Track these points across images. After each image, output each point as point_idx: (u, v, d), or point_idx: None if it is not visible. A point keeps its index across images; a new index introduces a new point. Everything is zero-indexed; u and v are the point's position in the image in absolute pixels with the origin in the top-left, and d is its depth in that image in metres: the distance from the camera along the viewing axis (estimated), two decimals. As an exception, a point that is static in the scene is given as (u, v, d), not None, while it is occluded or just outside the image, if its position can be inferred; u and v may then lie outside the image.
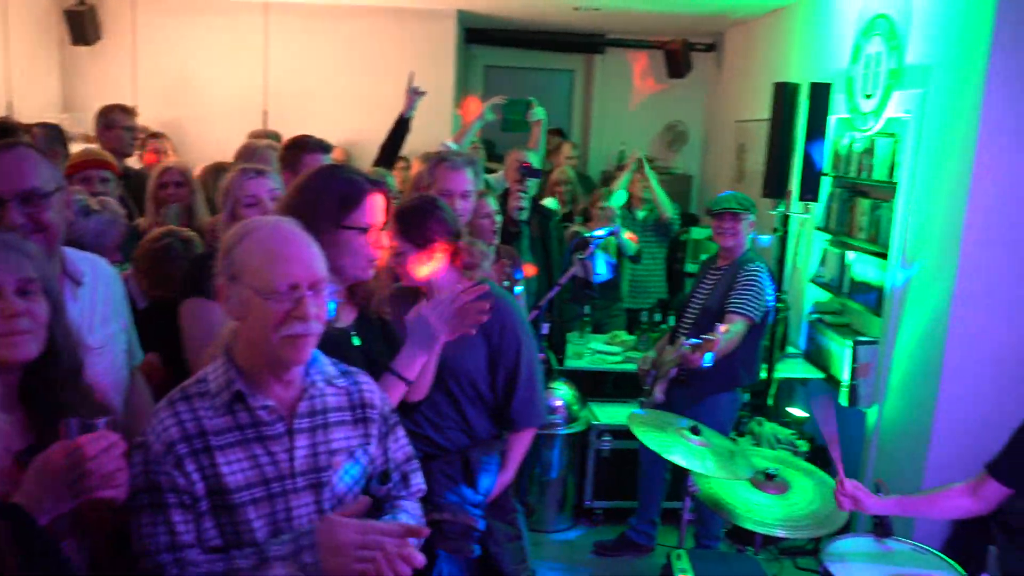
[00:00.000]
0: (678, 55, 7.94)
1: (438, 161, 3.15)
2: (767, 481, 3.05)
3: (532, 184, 4.39)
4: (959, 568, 2.75)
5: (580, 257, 3.75)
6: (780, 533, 2.91)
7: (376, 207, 2.13)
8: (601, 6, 6.74)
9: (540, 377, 2.80)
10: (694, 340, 3.43)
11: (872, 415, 4.38)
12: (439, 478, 2.57)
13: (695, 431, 3.01)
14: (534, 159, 4.31)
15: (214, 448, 1.66)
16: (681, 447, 2.99)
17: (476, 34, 8.32)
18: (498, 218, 3.91)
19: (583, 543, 4.62)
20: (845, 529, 3.10)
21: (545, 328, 3.78)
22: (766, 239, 4.88)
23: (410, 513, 1.91)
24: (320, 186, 2.12)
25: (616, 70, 8.62)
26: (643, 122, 8.51)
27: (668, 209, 5.75)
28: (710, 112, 8.40)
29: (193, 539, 1.64)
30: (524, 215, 4.27)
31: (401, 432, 1.98)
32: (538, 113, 4.60)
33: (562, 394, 4.64)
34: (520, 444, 2.79)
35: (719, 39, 8.15)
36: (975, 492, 2.68)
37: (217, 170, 3.81)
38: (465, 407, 2.66)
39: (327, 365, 1.85)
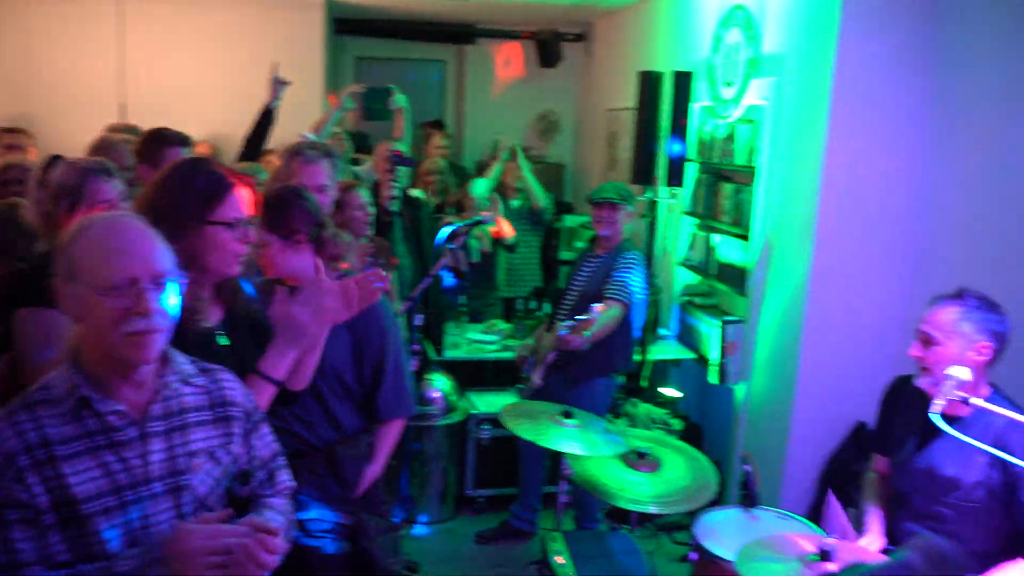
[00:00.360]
0: (548, 45, 8.01)
1: (293, 154, 3.08)
2: (639, 460, 3.12)
3: (404, 174, 4.36)
4: (819, 530, 2.89)
5: (451, 247, 3.74)
6: (653, 510, 2.98)
7: (241, 201, 2.07)
8: (471, -5, 6.74)
9: (407, 367, 2.78)
10: (570, 323, 3.49)
11: (740, 392, 4.55)
12: (304, 475, 2.52)
13: (567, 415, 3.05)
14: (402, 148, 4.28)
15: (59, 458, 1.57)
16: (555, 433, 3.02)
17: (346, 24, 8.17)
18: (371, 209, 3.87)
19: (465, 532, 4.63)
20: (716, 503, 3.21)
21: (419, 319, 3.76)
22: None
23: (278, 510, 1.87)
24: (182, 181, 2.04)
25: (487, 60, 8.64)
26: (516, 112, 8.56)
27: (541, 198, 5.80)
28: (581, 101, 8.52)
29: (36, 556, 1.55)
30: (396, 206, 4.23)
31: (266, 429, 1.93)
32: (399, 101, 4.55)
33: (440, 385, 4.63)
34: (389, 436, 2.77)
35: (588, 29, 8.27)
36: (885, 478, 2.77)
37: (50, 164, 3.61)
38: (332, 402, 2.61)
39: (184, 364, 1.78)
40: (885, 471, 2.77)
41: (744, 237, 4.61)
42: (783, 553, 2.01)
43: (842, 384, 3.97)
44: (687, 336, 5.29)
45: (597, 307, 3.44)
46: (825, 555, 1.90)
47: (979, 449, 2.13)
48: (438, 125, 7.85)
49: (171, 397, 1.73)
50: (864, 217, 3.84)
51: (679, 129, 4.57)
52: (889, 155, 3.79)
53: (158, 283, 1.63)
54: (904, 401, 2.62)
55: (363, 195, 3.86)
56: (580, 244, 5.94)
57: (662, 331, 5.43)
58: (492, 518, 4.68)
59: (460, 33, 8.48)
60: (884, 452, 2.76)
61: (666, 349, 5.25)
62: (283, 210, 2.51)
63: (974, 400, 2.22)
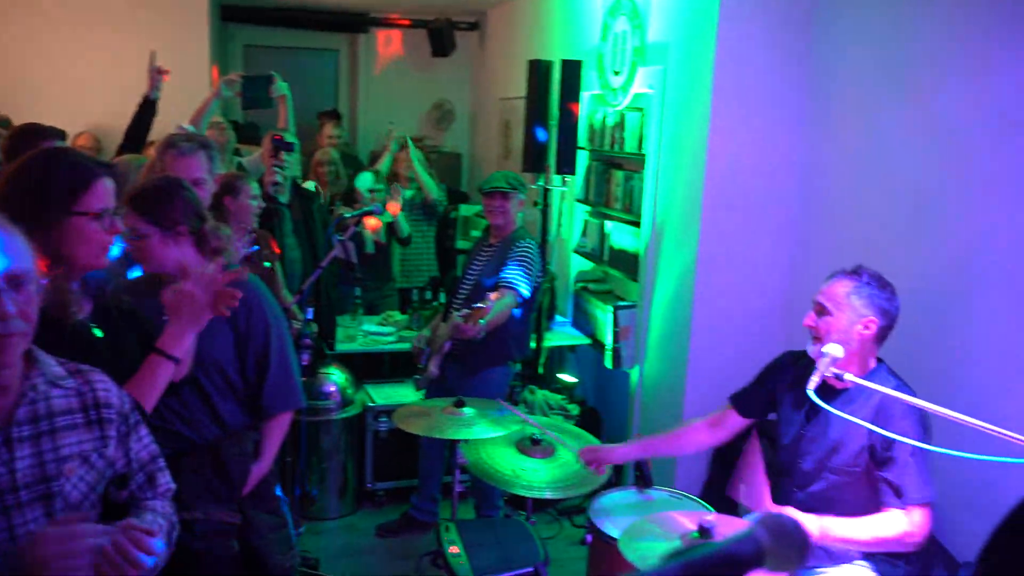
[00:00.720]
0: (442, 34, 7.97)
1: (166, 147, 2.98)
2: (533, 446, 3.14)
3: (294, 161, 4.28)
4: (709, 507, 2.97)
5: (340, 239, 3.69)
6: (548, 495, 3.01)
7: (107, 191, 2.00)
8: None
9: (293, 360, 2.73)
10: (465, 311, 3.50)
11: (635, 376, 4.63)
12: (188, 475, 2.46)
13: (460, 404, 3.05)
14: (289, 137, 4.20)
15: None
16: (448, 423, 3.02)
17: (233, 12, 7.96)
18: (257, 202, 3.80)
19: (366, 527, 4.59)
20: (612, 485, 3.26)
21: (310, 312, 3.70)
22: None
23: (158, 513, 1.81)
24: (44, 171, 1.96)
25: (381, 49, 8.54)
26: (410, 101, 8.50)
27: (432, 190, 5.77)
28: (476, 90, 8.52)
29: None
30: (284, 197, 4.15)
31: (144, 431, 1.87)
32: (281, 88, 4.46)
33: (335, 378, 4.57)
34: (276, 431, 2.71)
35: (482, 18, 8.26)
36: (716, 424, 2.94)
37: None
38: (215, 398, 2.55)
39: (52, 366, 1.70)
40: (729, 426, 2.91)
41: (636, 223, 4.69)
42: (665, 531, 2.06)
43: (731, 365, 4.06)
44: (583, 322, 5.36)
45: (491, 295, 3.46)
46: (705, 532, 1.95)
47: (860, 423, 2.24)
48: (334, 115, 7.73)
49: (38, 400, 1.65)
50: (746, 201, 3.95)
51: (568, 117, 4.61)
52: (769, 140, 3.91)
53: (15, 284, 1.55)
54: (793, 374, 2.72)
55: (251, 187, 3.78)
56: (476, 233, 5.94)
57: (558, 318, 5.48)
58: (393, 511, 4.65)
59: (353, 22, 8.37)
60: (745, 414, 2.88)
61: (562, 335, 5.31)
62: (164, 201, 2.43)
63: (848, 377, 2.31)
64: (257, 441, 2.63)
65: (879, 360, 2.59)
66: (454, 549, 2.74)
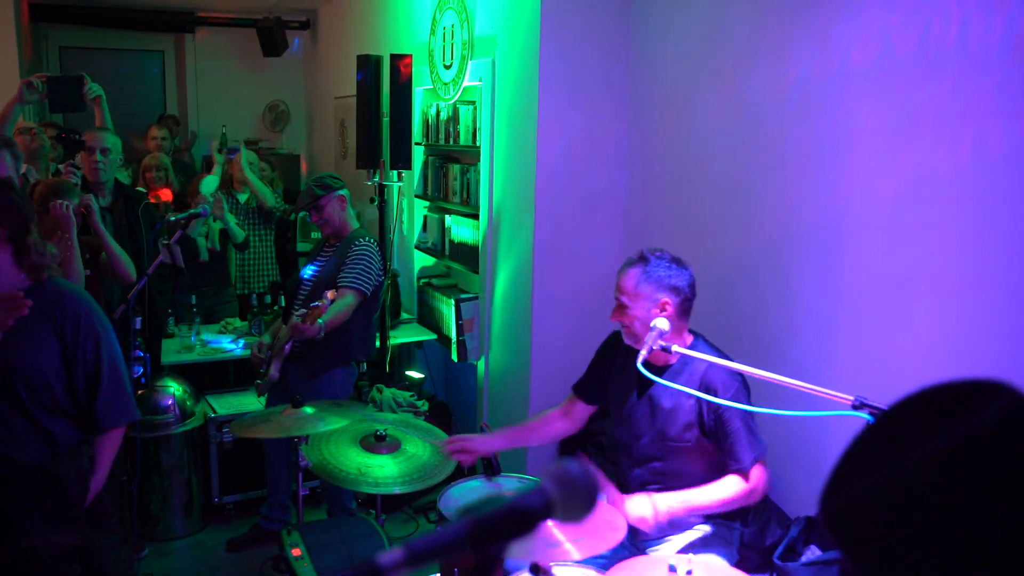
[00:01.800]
0: (272, 33, 7.77)
1: None
2: (379, 443, 3.11)
3: (112, 161, 4.08)
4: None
5: (165, 243, 3.54)
6: (397, 490, 2.98)
7: None
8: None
9: (124, 372, 2.61)
10: (303, 311, 3.42)
11: (481, 367, 4.66)
12: (21, 501, 2.30)
13: (297, 404, 2.98)
14: (109, 140, 4.00)
15: None
16: (289, 424, 2.95)
17: (45, 11, 7.49)
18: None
19: (215, 543, 4.43)
20: (461, 476, 3.27)
21: (137, 322, 3.53)
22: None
23: None
24: None
25: (210, 50, 8.26)
26: (244, 102, 8.26)
27: (268, 197, 5.64)
28: (310, 90, 8.37)
29: None
30: (103, 201, 3.95)
31: None
32: (94, 89, 4.23)
33: (172, 390, 4.38)
34: (109, 445, 2.59)
35: (313, 16, 8.11)
36: (567, 414, 2.99)
37: None
38: (40, 415, 2.40)
39: None
40: (578, 415, 2.99)
41: (475, 216, 4.72)
42: None
43: (573, 349, 4.15)
44: (428, 317, 5.35)
45: (328, 293, 3.39)
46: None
47: (688, 392, 2.33)
48: (175, 120, 7.44)
49: None
50: (577, 188, 4.05)
51: (400, 110, 4.59)
52: (595, 126, 4.02)
53: None
54: (622, 355, 2.79)
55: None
56: (317, 235, 5.83)
57: (403, 315, 5.46)
58: (243, 524, 4.50)
59: (178, 21, 8.04)
60: (590, 401, 2.96)
61: (408, 332, 5.28)
62: None
63: (676, 348, 2.39)
64: (91, 457, 2.50)
65: (696, 334, 2.69)
66: (296, 552, 2.68)
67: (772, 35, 3.15)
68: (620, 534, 2.12)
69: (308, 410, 3.00)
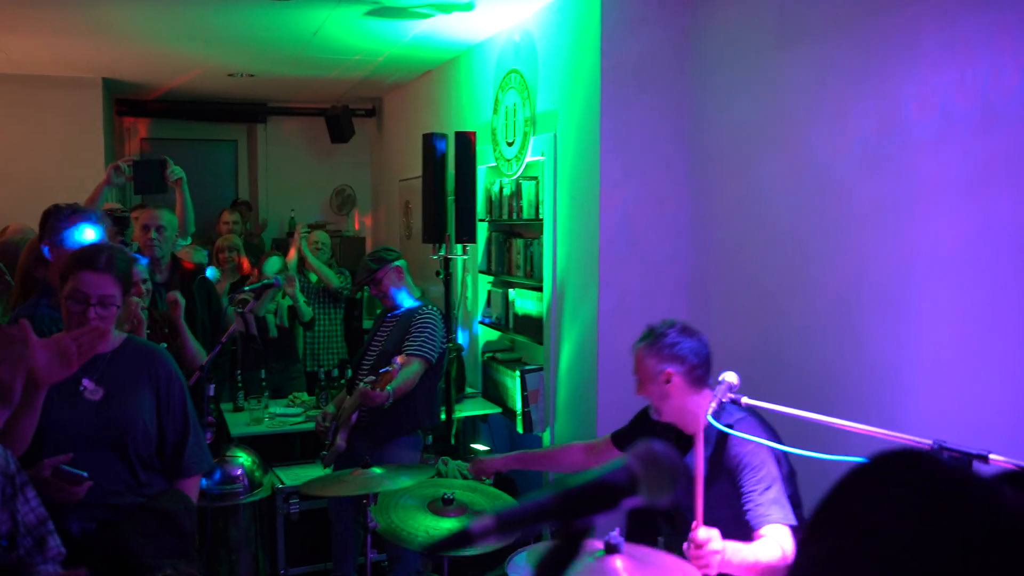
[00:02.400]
0: (339, 120, 8.08)
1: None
2: (445, 507, 3.11)
3: (167, 240, 4.25)
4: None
5: (239, 311, 3.64)
6: (468, 552, 2.97)
7: None
8: (256, 72, 6.71)
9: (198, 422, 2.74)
10: (371, 378, 3.48)
11: (546, 439, 4.64)
12: (141, 538, 2.40)
13: (366, 465, 3.01)
14: (164, 217, 4.20)
15: None
16: (356, 484, 2.98)
17: (129, 105, 7.93)
18: (147, 286, 3.77)
19: (281, 615, 4.41)
20: (529, 542, 3.24)
21: (211, 389, 3.61)
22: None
23: None
24: None
25: (280, 138, 8.62)
26: (312, 187, 8.56)
27: (332, 279, 5.81)
28: (375, 173, 8.63)
29: None
30: (160, 277, 4.14)
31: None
32: (176, 172, 4.43)
33: (241, 461, 4.43)
34: (193, 491, 2.70)
35: (378, 103, 8.42)
36: (592, 451, 3.05)
37: None
38: (138, 467, 2.54)
39: None
40: (603, 458, 2.98)
41: (538, 288, 4.77)
42: None
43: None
44: (493, 391, 5.36)
45: (398, 359, 3.45)
46: (611, 548, 1.95)
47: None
48: (247, 206, 7.74)
49: None
50: (640, 255, 4.08)
51: (465, 185, 4.71)
52: (657, 195, 4.07)
53: None
54: (653, 423, 2.78)
55: (141, 270, 3.76)
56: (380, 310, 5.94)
57: (468, 389, 5.48)
58: (309, 598, 4.49)
59: (251, 111, 8.42)
60: (618, 444, 3.01)
61: (473, 406, 5.29)
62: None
63: (746, 401, 2.36)
64: (186, 497, 2.60)
65: (731, 401, 2.60)
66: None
67: (832, 94, 3.19)
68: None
69: (377, 471, 3.02)
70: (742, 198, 3.70)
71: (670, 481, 0.75)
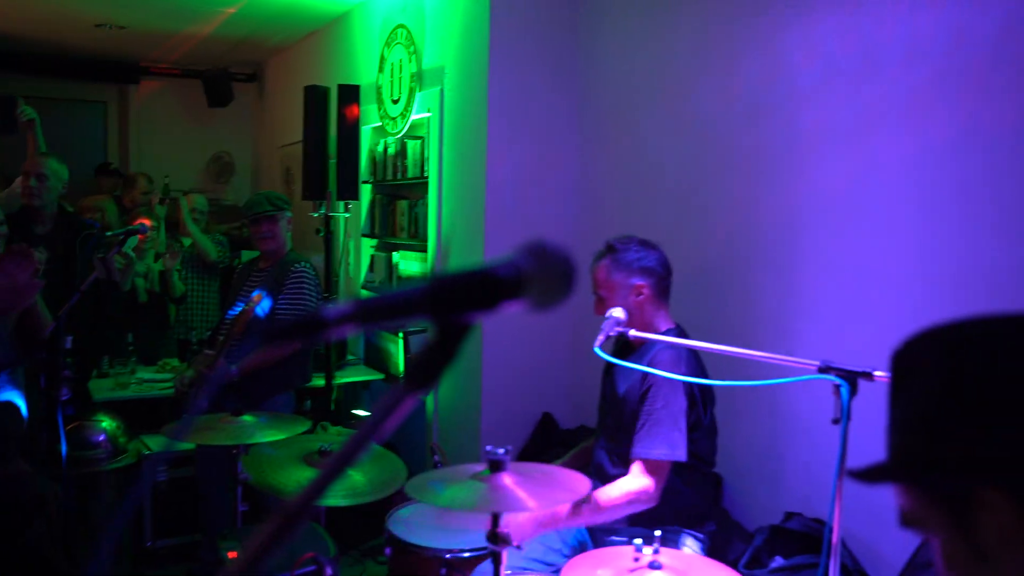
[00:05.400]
0: (217, 83, 7.72)
1: None
2: (322, 459, 2.96)
3: (53, 188, 3.95)
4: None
5: (100, 256, 3.39)
6: (342, 502, 2.83)
7: None
8: (127, 24, 6.33)
9: None
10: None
11: (430, 402, 4.53)
12: None
13: (237, 412, 2.84)
14: (49, 166, 3.90)
15: None
16: (230, 433, 2.81)
17: (-20, 57, 7.36)
18: (2, 229, 3.48)
19: (146, 589, 4.17)
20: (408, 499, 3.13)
21: (68, 341, 3.34)
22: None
23: None
24: None
25: (154, 101, 8.17)
26: (188, 153, 8.16)
27: (210, 251, 5.52)
28: (256, 140, 8.31)
29: None
30: (43, 228, 3.84)
31: None
32: (28, 112, 4.11)
33: (104, 426, 4.16)
34: None
35: (259, 68, 8.10)
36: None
37: None
38: None
39: None
40: None
41: (424, 250, 4.66)
42: (453, 480, 1.97)
43: (524, 377, 4.09)
44: (375, 357, 5.22)
45: (255, 297, 3.27)
46: (496, 465, 1.85)
47: (638, 371, 2.26)
48: (108, 170, 7.29)
49: None
50: (526, 211, 4.02)
51: (348, 141, 4.55)
52: (544, 149, 4.02)
53: None
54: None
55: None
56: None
57: (350, 356, 5.32)
58: (177, 571, 4.25)
59: (123, 71, 7.96)
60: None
61: (355, 373, 5.14)
62: None
63: (633, 333, 2.33)
64: None
65: (676, 325, 2.60)
66: (233, 554, 2.51)
67: (719, 47, 3.20)
68: (576, 495, 2.00)
69: (248, 419, 2.85)
70: (630, 153, 3.68)
71: (562, 284, 0.66)
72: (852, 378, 1.79)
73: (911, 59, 2.47)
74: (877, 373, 1.78)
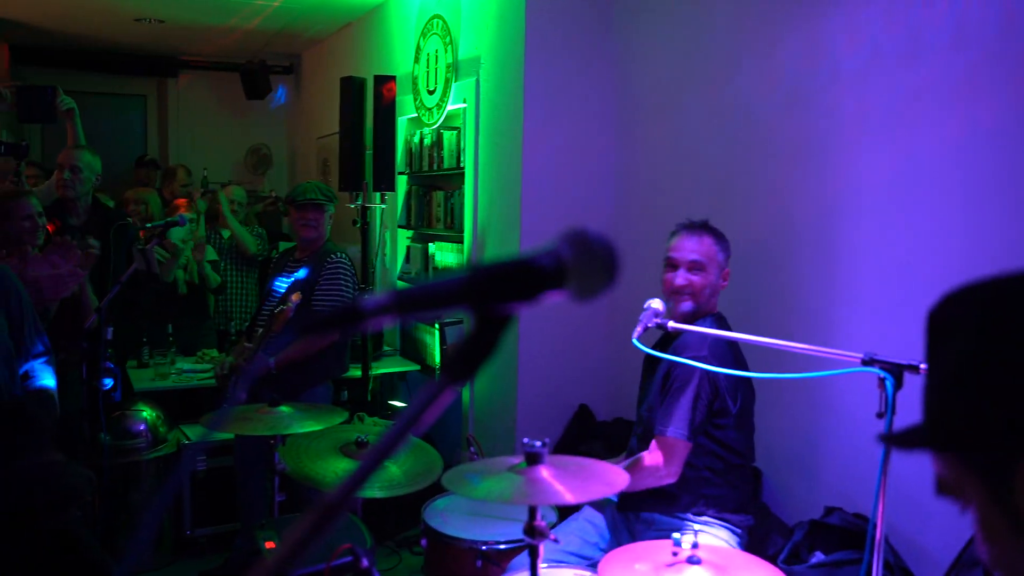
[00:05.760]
0: (255, 76, 7.77)
1: None
2: (359, 449, 2.97)
3: (86, 179, 3.99)
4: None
5: (140, 247, 3.43)
6: (378, 494, 2.84)
7: None
8: (166, 18, 6.38)
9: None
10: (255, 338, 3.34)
11: (466, 394, 4.53)
12: None
13: (274, 403, 2.85)
14: (82, 158, 3.93)
15: None
16: (269, 423, 2.82)
17: (25, 52, 7.46)
18: (41, 220, 3.54)
19: (187, 576, 4.22)
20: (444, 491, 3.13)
21: (109, 332, 3.38)
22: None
23: None
24: None
25: (192, 93, 8.25)
26: (226, 146, 8.22)
27: (249, 245, 5.54)
28: (292, 132, 8.35)
29: None
30: (76, 220, 3.88)
31: None
32: (67, 101, 4.15)
33: (144, 415, 4.20)
34: None
35: (296, 60, 8.14)
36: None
37: None
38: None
39: None
40: None
41: (459, 240, 4.65)
42: (490, 472, 1.96)
43: (560, 370, 4.07)
44: (411, 348, 5.23)
45: (293, 296, 3.28)
46: (533, 458, 1.84)
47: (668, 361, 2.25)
48: (153, 164, 7.37)
49: None
50: (564, 202, 3.99)
51: (384, 133, 4.55)
52: (581, 140, 3.99)
53: None
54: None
55: (34, 204, 3.52)
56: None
57: (386, 348, 5.33)
58: (216, 559, 4.29)
59: (160, 65, 8.04)
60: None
61: (390, 364, 5.15)
62: None
63: (672, 324, 2.31)
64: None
65: (717, 314, 2.60)
66: (270, 544, 2.52)
67: (758, 33, 3.14)
68: (613, 488, 1.98)
69: (285, 409, 2.86)
70: (666, 141, 3.64)
71: (605, 274, 0.64)
72: (897, 371, 1.75)
73: (959, 43, 2.41)
74: (923, 366, 1.73)
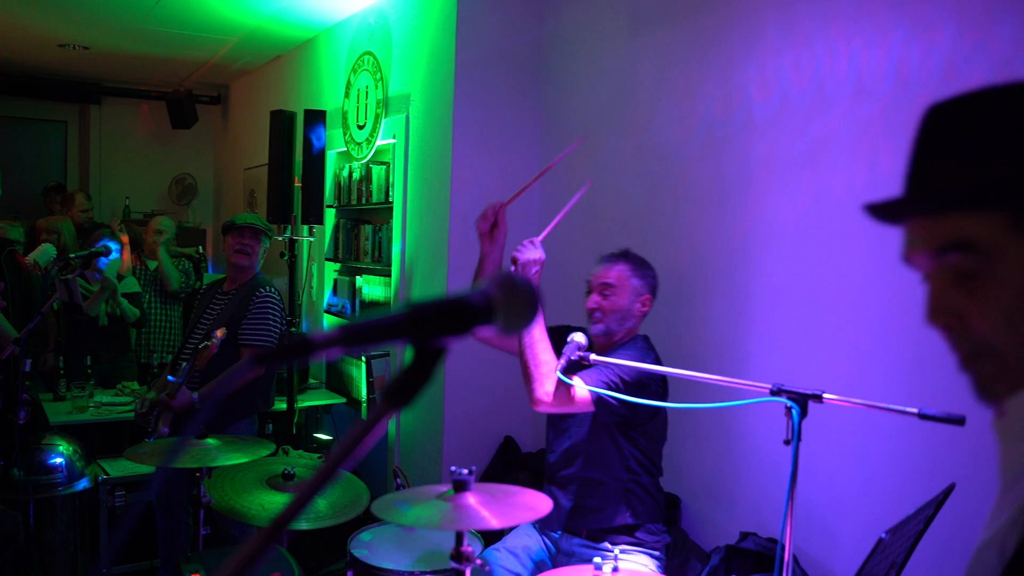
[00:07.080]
0: (181, 105, 7.72)
1: None
2: (286, 482, 2.98)
3: None
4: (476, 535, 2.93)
5: (64, 278, 3.39)
6: (305, 526, 2.85)
7: None
8: (91, 44, 6.31)
9: None
10: (184, 365, 3.32)
11: (392, 427, 4.55)
12: None
13: (201, 436, 2.85)
14: None
15: None
16: (192, 457, 2.81)
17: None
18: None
19: (102, 616, 4.11)
20: (372, 521, 3.15)
21: (27, 364, 3.32)
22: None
23: None
24: None
25: (116, 120, 8.13)
26: (150, 175, 8.12)
27: (173, 281, 5.49)
28: (219, 162, 8.30)
29: None
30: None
31: None
32: None
33: (61, 449, 4.11)
34: None
35: (223, 91, 8.11)
36: None
37: None
38: None
39: None
40: None
41: (387, 274, 4.69)
42: (418, 500, 2.01)
43: (487, 404, 4.13)
44: (337, 381, 5.23)
45: (217, 332, 3.28)
46: (460, 485, 1.90)
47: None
48: (59, 189, 7.22)
49: None
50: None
51: (313, 163, 4.58)
52: (508, 177, 4.07)
53: None
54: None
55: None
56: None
57: (312, 380, 5.32)
58: (133, 598, 4.20)
59: (85, 90, 7.91)
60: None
61: (316, 397, 5.14)
62: None
63: (594, 357, 2.41)
64: None
65: (644, 337, 2.73)
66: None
67: (677, 80, 3.30)
68: (537, 514, 2.05)
69: (211, 442, 2.86)
70: (589, 180, 3.75)
71: (528, 310, 0.72)
72: (803, 400, 1.86)
73: (860, 95, 2.58)
74: (827, 395, 1.86)
